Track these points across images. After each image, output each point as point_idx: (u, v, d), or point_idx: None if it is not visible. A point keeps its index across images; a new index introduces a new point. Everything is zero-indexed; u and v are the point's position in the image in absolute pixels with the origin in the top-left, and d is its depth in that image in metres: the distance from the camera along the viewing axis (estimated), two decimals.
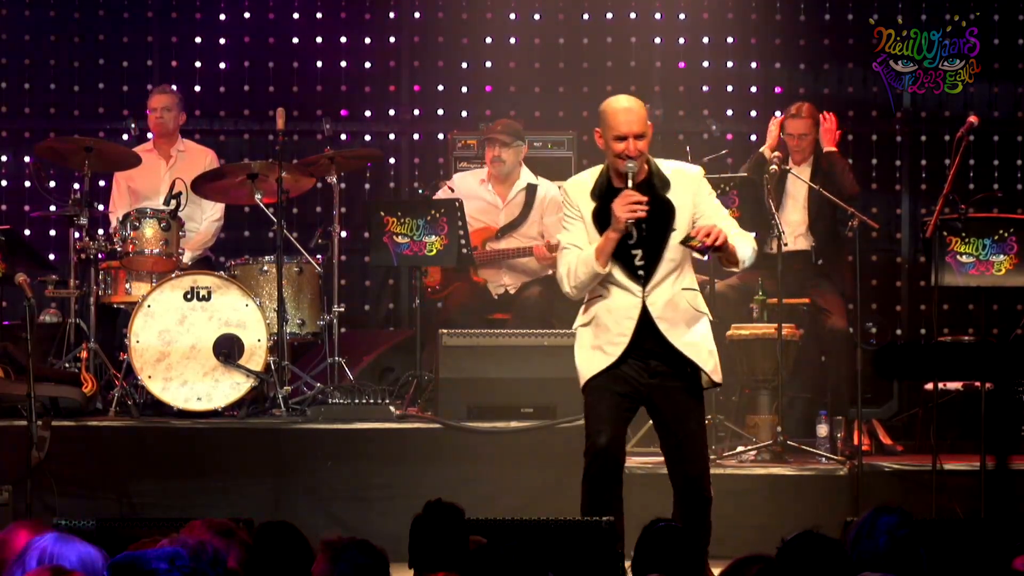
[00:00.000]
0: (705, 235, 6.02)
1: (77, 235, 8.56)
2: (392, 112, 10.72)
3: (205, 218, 9.39)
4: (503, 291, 9.22)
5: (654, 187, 6.18)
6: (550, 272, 9.20)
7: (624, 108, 6.19)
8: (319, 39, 10.63)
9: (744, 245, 6.23)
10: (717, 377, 6.30)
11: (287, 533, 4.57)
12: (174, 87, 9.75)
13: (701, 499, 6.31)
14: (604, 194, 6.21)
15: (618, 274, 6.17)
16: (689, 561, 4.71)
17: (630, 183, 6.11)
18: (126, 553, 3.90)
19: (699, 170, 6.39)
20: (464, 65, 10.64)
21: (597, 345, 6.22)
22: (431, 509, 4.85)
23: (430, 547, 4.67)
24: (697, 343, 6.23)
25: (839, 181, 8.89)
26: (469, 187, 9.29)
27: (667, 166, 6.28)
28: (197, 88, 10.59)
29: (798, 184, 8.97)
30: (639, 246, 6.15)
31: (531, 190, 9.25)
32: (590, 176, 6.33)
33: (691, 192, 6.23)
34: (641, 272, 6.17)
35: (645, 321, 6.17)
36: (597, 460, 6.21)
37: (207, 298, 8.35)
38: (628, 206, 6.06)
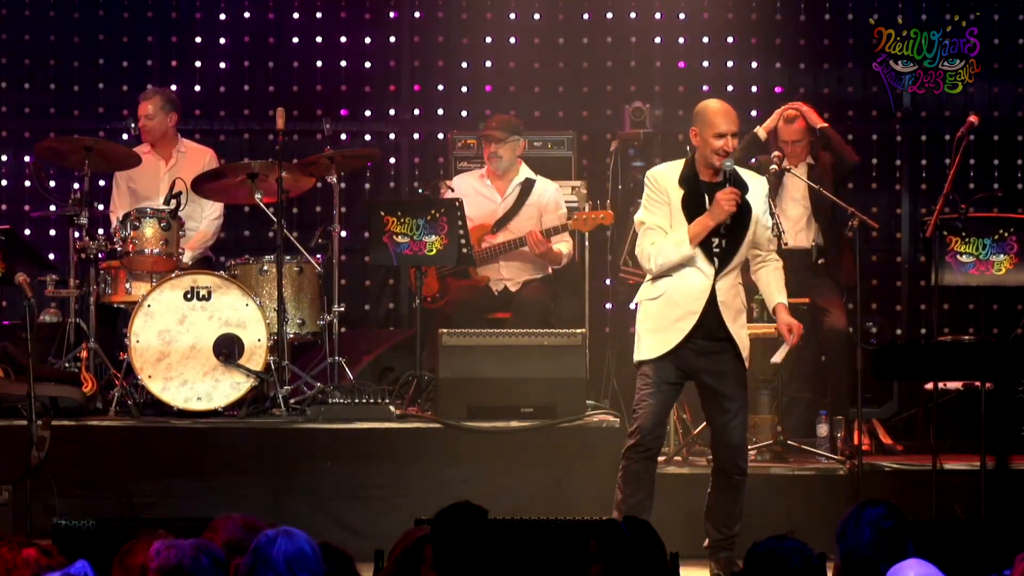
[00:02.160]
0: (792, 336, 7.03)
1: (77, 235, 8.56)
2: (392, 112, 10.72)
3: (205, 217, 9.39)
4: (503, 287, 9.21)
5: (742, 188, 6.88)
6: (550, 270, 9.21)
7: (724, 109, 6.96)
8: (319, 39, 10.62)
9: (781, 279, 7.14)
10: (748, 363, 7.03)
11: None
12: (158, 88, 9.65)
13: (738, 468, 6.99)
14: (691, 183, 6.89)
15: (697, 258, 6.84)
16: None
17: (728, 179, 6.82)
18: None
19: (764, 181, 7.12)
20: (464, 65, 10.64)
21: (663, 323, 6.87)
22: (454, 511, 4.85)
23: (453, 549, 4.65)
24: (741, 333, 6.97)
25: (839, 151, 8.94)
26: (469, 186, 9.29)
27: (743, 172, 7.00)
28: (197, 88, 10.59)
29: (797, 182, 8.97)
30: (719, 236, 6.85)
31: (527, 185, 9.26)
32: (675, 167, 6.98)
33: (759, 199, 6.97)
34: (716, 260, 6.85)
35: (711, 302, 6.84)
36: (640, 446, 6.90)
37: (207, 298, 8.35)
38: (732, 200, 6.77)
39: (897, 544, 4.46)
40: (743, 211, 6.86)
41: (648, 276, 6.99)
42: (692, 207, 6.85)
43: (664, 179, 6.91)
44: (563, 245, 9.08)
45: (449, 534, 4.70)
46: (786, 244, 8.55)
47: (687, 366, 6.91)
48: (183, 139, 9.58)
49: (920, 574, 4.15)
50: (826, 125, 9.10)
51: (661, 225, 6.87)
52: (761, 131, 9.05)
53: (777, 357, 7.12)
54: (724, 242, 6.87)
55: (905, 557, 4.35)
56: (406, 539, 4.68)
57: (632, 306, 7.30)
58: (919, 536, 4.59)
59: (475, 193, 9.27)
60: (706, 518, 6.99)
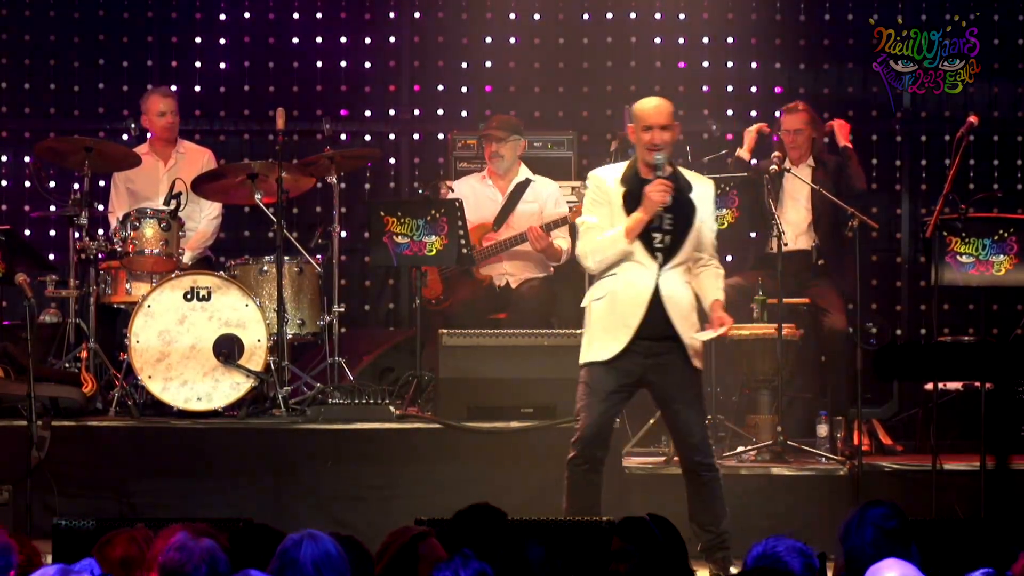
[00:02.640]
0: (723, 328, 6.87)
1: (77, 235, 8.56)
2: (392, 112, 10.72)
3: (203, 217, 9.39)
4: (505, 282, 9.21)
5: (680, 184, 6.87)
6: (552, 268, 9.21)
7: (651, 102, 6.97)
8: (319, 39, 10.63)
9: (720, 283, 7.02)
10: (698, 363, 6.93)
11: (264, 535, 4.54)
12: (173, 88, 9.74)
13: (703, 466, 6.93)
14: (632, 182, 6.88)
15: (639, 253, 6.82)
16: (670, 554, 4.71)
17: (660, 172, 6.79)
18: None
19: (712, 183, 7.13)
20: (464, 65, 10.64)
21: (611, 324, 6.83)
22: (473, 512, 4.85)
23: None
24: (689, 332, 6.88)
25: (849, 173, 8.88)
26: (470, 189, 9.29)
27: (688, 173, 7.03)
28: (197, 88, 10.59)
29: (797, 183, 8.96)
30: (661, 231, 6.83)
31: (523, 185, 9.26)
32: (619, 167, 7.00)
33: (705, 200, 6.97)
34: (659, 255, 6.82)
35: (656, 299, 6.80)
36: (579, 458, 6.90)
37: (207, 298, 8.35)
38: (661, 191, 6.74)
39: (900, 544, 4.46)
40: (685, 207, 6.86)
41: (594, 278, 6.99)
42: (633, 205, 6.85)
43: (605, 179, 6.93)
44: (562, 242, 9.08)
45: (470, 536, 4.71)
46: (786, 244, 8.58)
47: (632, 373, 6.85)
48: (182, 140, 9.58)
49: (901, 574, 4.15)
50: (850, 145, 9.05)
51: (602, 225, 6.87)
52: (744, 152, 9.04)
53: (701, 335, 6.91)
54: (667, 238, 6.84)
55: (909, 558, 4.36)
56: (398, 537, 4.67)
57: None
58: (919, 536, 4.58)
59: (477, 194, 9.27)
60: (691, 521, 6.92)
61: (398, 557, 4.67)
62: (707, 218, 6.95)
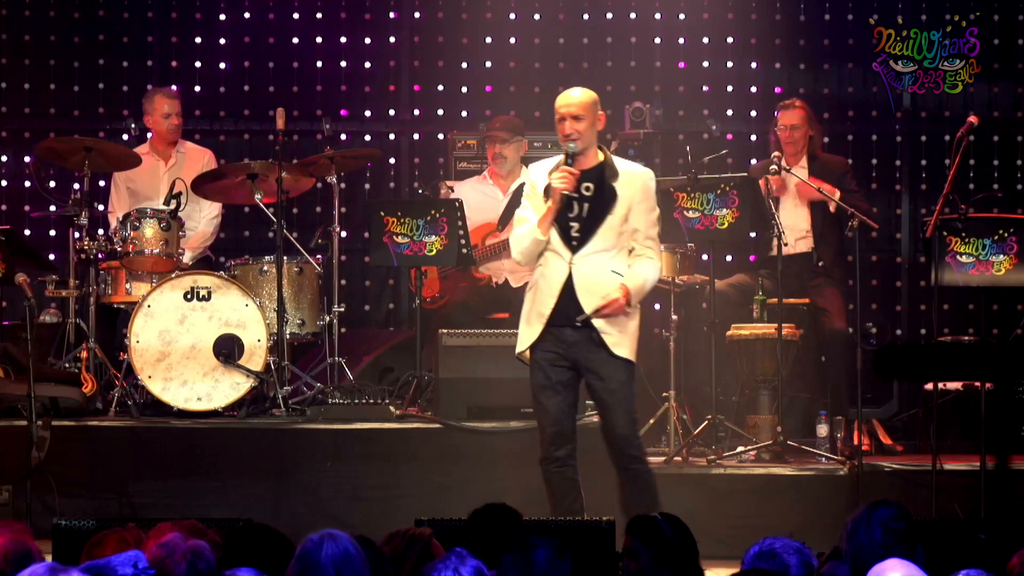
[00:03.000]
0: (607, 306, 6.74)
1: (77, 235, 8.56)
2: (392, 112, 10.72)
3: (203, 217, 9.38)
4: (504, 279, 9.20)
5: (603, 174, 6.84)
6: None
7: (566, 93, 6.94)
8: (319, 39, 10.62)
9: (644, 270, 6.85)
10: (621, 352, 6.81)
11: (261, 534, 4.53)
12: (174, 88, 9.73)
13: (628, 457, 6.88)
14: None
15: (554, 242, 6.82)
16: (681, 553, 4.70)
17: (570, 161, 6.76)
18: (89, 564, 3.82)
19: (648, 174, 6.97)
20: (464, 65, 10.64)
21: (531, 313, 6.87)
22: (489, 512, 4.85)
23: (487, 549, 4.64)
24: (614, 321, 6.79)
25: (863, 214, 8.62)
26: (471, 191, 9.28)
27: (621, 163, 6.95)
28: (197, 88, 10.59)
29: (796, 182, 8.95)
30: (578, 220, 6.79)
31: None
32: (553, 160, 6.94)
33: (633, 190, 6.86)
34: (575, 242, 6.79)
35: (569, 287, 6.79)
36: (548, 459, 6.92)
37: (207, 298, 8.36)
38: (560, 179, 6.73)
39: (907, 545, 4.47)
40: (605, 195, 6.80)
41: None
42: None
43: (536, 171, 6.94)
44: None
45: (488, 535, 4.71)
46: (786, 245, 8.58)
47: (562, 358, 6.82)
48: (183, 140, 9.58)
49: (905, 574, 4.15)
50: (835, 196, 8.82)
51: (525, 216, 6.90)
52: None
53: (581, 317, 6.78)
54: (580, 225, 6.80)
55: (914, 559, 4.36)
56: (399, 540, 4.67)
57: None
58: (917, 532, 4.59)
59: (479, 196, 9.27)
60: (623, 513, 6.64)
61: (399, 560, 4.67)
62: (637, 207, 6.83)
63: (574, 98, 6.89)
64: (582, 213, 6.80)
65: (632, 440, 6.90)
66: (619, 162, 6.94)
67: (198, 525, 4.56)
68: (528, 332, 6.86)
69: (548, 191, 6.79)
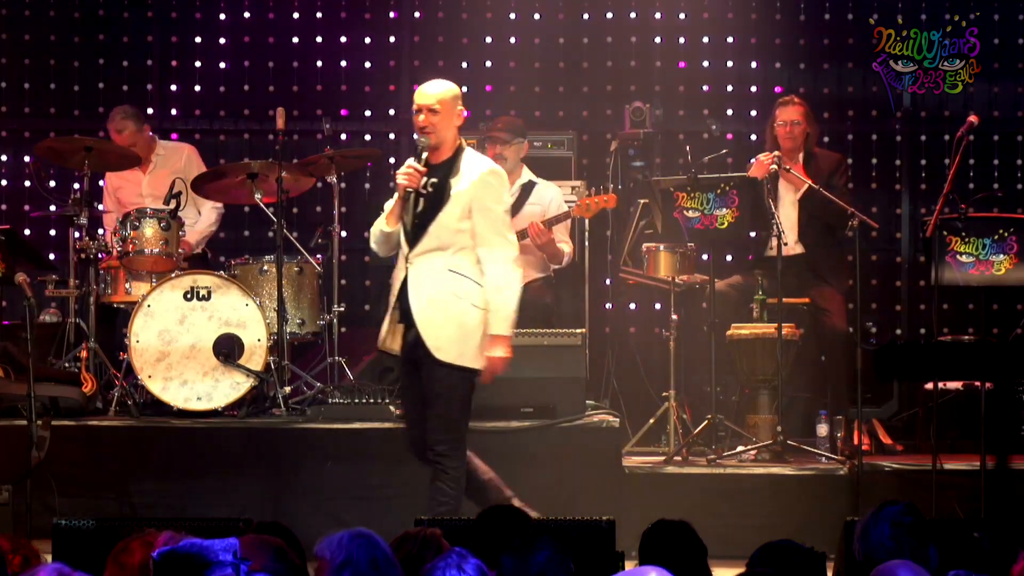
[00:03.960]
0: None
1: (77, 235, 8.56)
2: (392, 112, 10.72)
3: (202, 218, 9.37)
4: None
5: (442, 169, 6.74)
6: (552, 270, 9.20)
7: (423, 86, 6.87)
8: (319, 39, 10.63)
9: (492, 290, 6.71)
10: (440, 356, 6.65)
11: (280, 534, 4.53)
12: (120, 111, 9.43)
13: (435, 460, 6.72)
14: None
15: (401, 239, 6.80)
16: (694, 559, 4.70)
17: (422, 154, 6.71)
18: (185, 543, 3.69)
19: (491, 169, 6.83)
20: (464, 65, 10.64)
21: (386, 306, 6.90)
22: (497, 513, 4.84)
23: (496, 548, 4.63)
24: (438, 323, 6.68)
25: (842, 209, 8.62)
26: None
27: (469, 159, 6.81)
28: (197, 88, 10.60)
29: (795, 181, 8.93)
30: (415, 217, 6.73)
31: (530, 186, 9.25)
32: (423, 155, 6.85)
33: (471, 187, 6.72)
34: (411, 240, 6.76)
35: (404, 286, 6.77)
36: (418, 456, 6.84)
37: (207, 298, 8.35)
38: (403, 174, 6.70)
39: (918, 541, 4.47)
40: (439, 193, 6.69)
41: None
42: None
43: (406, 165, 6.83)
44: (564, 245, 9.07)
45: (495, 536, 4.70)
46: (786, 244, 8.58)
47: (410, 358, 6.77)
48: (161, 141, 9.57)
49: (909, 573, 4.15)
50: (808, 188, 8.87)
51: (385, 208, 6.87)
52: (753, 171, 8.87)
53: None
54: (414, 222, 6.72)
55: (927, 557, 4.37)
56: (412, 543, 4.66)
57: None
58: (928, 532, 4.59)
59: None
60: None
61: (407, 563, 4.67)
62: (476, 204, 6.69)
63: (431, 91, 6.80)
64: (418, 210, 6.73)
65: (437, 447, 6.71)
66: (467, 159, 6.79)
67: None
68: (384, 325, 6.88)
69: None
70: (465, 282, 6.70)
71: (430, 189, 6.72)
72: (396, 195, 6.77)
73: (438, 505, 6.66)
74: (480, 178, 6.72)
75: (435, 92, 6.78)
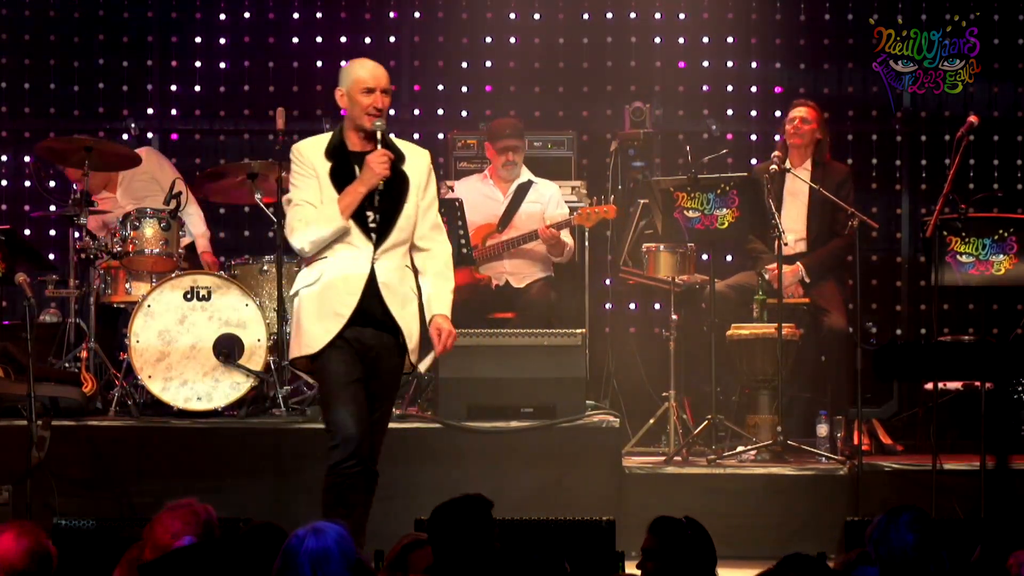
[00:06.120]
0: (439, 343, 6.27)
1: (77, 235, 8.56)
2: (392, 112, 10.69)
3: (189, 217, 9.25)
4: (505, 281, 9.20)
5: (396, 156, 6.28)
6: (554, 260, 9.20)
7: (372, 64, 6.36)
8: (319, 39, 10.63)
9: (444, 281, 6.39)
10: (415, 359, 6.34)
11: (274, 535, 4.53)
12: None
13: (374, 467, 6.36)
14: (339, 154, 6.29)
15: (353, 234, 6.24)
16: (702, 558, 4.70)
17: (379, 141, 6.23)
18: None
19: (427, 152, 6.48)
20: (464, 65, 10.64)
21: (323, 311, 6.19)
22: (459, 503, 4.82)
23: (455, 539, 4.63)
24: (412, 325, 6.31)
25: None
26: (472, 190, 9.28)
27: (400, 142, 6.42)
28: (197, 88, 10.60)
29: (799, 184, 8.95)
30: (374, 209, 6.24)
31: (526, 186, 9.26)
32: (324, 138, 6.37)
33: (422, 172, 6.37)
34: (374, 235, 6.24)
35: (371, 285, 6.22)
36: (348, 461, 6.21)
37: (207, 298, 8.36)
38: (383, 162, 6.18)
39: (936, 546, 4.49)
40: (399, 181, 6.27)
41: (303, 261, 6.36)
42: (341, 178, 6.23)
43: (310, 151, 6.27)
44: (566, 238, 9.09)
45: (448, 526, 4.70)
46: (786, 244, 8.58)
47: (364, 361, 6.20)
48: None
49: None
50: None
51: (310, 200, 6.21)
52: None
53: (423, 365, 6.43)
54: (379, 216, 6.23)
55: (942, 561, 4.38)
56: (398, 545, 4.68)
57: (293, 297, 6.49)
58: (940, 536, 4.61)
59: (479, 196, 9.27)
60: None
61: (392, 566, 4.68)
62: (428, 195, 6.36)
63: (382, 69, 6.37)
64: (377, 202, 6.24)
65: (376, 453, 6.43)
66: (397, 140, 6.45)
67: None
68: (323, 331, 6.19)
69: (334, 175, 6.23)
70: (412, 276, 6.39)
71: (389, 177, 6.25)
72: (357, 186, 6.18)
73: (363, 515, 6.35)
74: (427, 163, 6.41)
75: (385, 73, 6.37)
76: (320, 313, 6.22)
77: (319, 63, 10.62)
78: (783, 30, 10.58)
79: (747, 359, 8.66)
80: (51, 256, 9.53)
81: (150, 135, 10.09)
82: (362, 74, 6.31)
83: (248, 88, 10.64)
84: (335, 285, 6.22)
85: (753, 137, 10.44)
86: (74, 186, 8.73)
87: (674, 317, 8.66)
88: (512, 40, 10.58)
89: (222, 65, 10.61)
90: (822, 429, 8.57)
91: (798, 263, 8.85)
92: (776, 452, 8.35)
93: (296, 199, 6.27)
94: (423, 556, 4.79)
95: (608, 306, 9.89)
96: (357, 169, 6.25)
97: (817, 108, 9.12)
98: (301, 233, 6.23)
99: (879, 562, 4.54)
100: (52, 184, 9.22)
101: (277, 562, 4.12)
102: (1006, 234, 8.04)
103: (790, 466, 8.21)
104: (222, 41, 10.61)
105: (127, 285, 8.64)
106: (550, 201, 9.20)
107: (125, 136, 10.38)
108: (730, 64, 10.60)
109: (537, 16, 10.61)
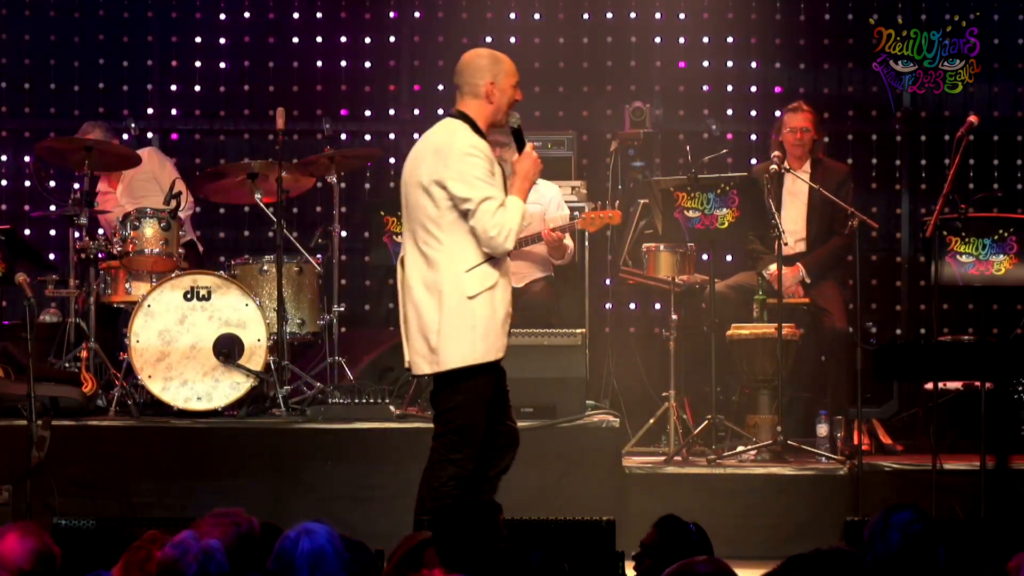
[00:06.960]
0: None
1: (77, 235, 8.56)
2: (392, 112, 10.72)
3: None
4: None
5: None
6: (555, 262, 9.19)
7: (507, 58, 6.23)
8: (319, 39, 10.63)
9: None
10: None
11: (274, 535, 4.53)
12: (91, 127, 9.35)
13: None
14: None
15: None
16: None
17: (516, 132, 6.25)
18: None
19: None
20: None
21: (498, 316, 6.03)
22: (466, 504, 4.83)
23: (460, 541, 4.64)
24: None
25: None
26: None
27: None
28: (197, 88, 10.60)
29: (798, 184, 8.96)
30: None
31: None
32: (472, 132, 6.18)
33: None
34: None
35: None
36: (463, 481, 6.18)
37: (207, 298, 8.36)
38: (539, 160, 6.19)
39: (926, 549, 4.46)
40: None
41: (465, 264, 6.03)
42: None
43: (487, 148, 6.09)
44: (568, 241, 9.09)
45: (454, 526, 4.70)
46: (786, 244, 8.58)
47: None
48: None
49: None
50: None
51: (499, 198, 6.03)
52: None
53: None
54: None
55: (935, 562, 4.36)
56: (407, 543, 4.68)
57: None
58: (935, 533, 4.59)
59: None
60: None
61: (403, 562, 4.67)
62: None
63: None
64: None
65: None
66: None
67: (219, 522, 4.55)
68: (503, 340, 6.10)
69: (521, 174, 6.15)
70: None
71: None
72: (524, 184, 6.10)
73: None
74: None
75: None
76: (501, 319, 6.08)
77: (319, 63, 10.62)
78: (783, 30, 10.58)
79: (747, 359, 8.66)
80: (51, 256, 9.53)
81: (150, 135, 10.07)
82: (512, 68, 6.20)
83: (248, 88, 10.64)
84: (505, 287, 6.09)
85: (753, 137, 10.44)
86: (75, 186, 8.73)
87: (674, 317, 8.66)
88: (512, 40, 10.57)
89: (222, 65, 10.61)
90: (822, 429, 8.57)
91: (799, 264, 8.85)
92: (776, 452, 8.35)
93: (495, 196, 5.99)
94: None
95: (608, 306, 9.89)
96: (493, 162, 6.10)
97: (812, 111, 9.12)
98: (512, 231, 5.99)
99: (869, 564, 4.53)
100: (52, 184, 9.22)
101: (271, 564, 4.11)
102: (1006, 234, 8.04)
103: (790, 466, 8.21)
104: (222, 41, 10.61)
105: (127, 285, 8.64)
106: (551, 202, 9.19)
107: (125, 136, 10.38)
108: (730, 64, 10.60)
109: (537, 16, 10.62)
